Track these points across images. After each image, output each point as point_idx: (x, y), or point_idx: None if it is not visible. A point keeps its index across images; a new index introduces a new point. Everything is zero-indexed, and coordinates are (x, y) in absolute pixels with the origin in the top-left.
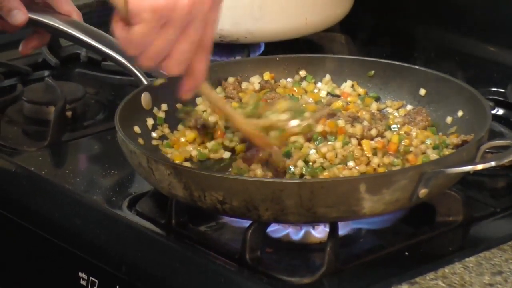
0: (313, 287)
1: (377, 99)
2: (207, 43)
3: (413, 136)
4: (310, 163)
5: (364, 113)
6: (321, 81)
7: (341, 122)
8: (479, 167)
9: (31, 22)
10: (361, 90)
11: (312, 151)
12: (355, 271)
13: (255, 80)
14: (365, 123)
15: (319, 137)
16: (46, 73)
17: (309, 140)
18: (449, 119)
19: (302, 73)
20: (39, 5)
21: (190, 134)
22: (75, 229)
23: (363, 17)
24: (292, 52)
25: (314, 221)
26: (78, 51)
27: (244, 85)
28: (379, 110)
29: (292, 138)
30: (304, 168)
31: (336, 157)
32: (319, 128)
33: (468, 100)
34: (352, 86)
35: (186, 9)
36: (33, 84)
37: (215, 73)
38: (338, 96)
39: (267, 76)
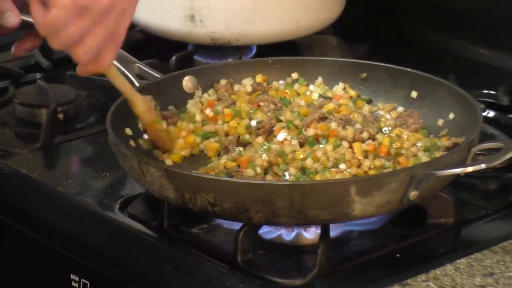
0: None
1: (369, 102)
2: (120, 35)
3: (404, 138)
4: (308, 169)
5: (356, 115)
6: (313, 83)
7: (333, 125)
8: (470, 169)
9: (24, 25)
10: (353, 93)
11: (309, 159)
12: (347, 273)
13: (247, 82)
14: (357, 125)
15: (312, 141)
16: (38, 75)
17: (302, 145)
18: (440, 122)
19: (294, 75)
20: None
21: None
22: (67, 231)
23: (355, 20)
24: (284, 54)
25: (305, 223)
26: None
27: (236, 87)
28: (371, 113)
29: (288, 145)
30: (298, 175)
31: (328, 160)
32: (311, 131)
33: (460, 102)
34: (344, 89)
35: (107, 1)
36: (25, 86)
37: (208, 75)
38: (330, 99)
39: (259, 78)
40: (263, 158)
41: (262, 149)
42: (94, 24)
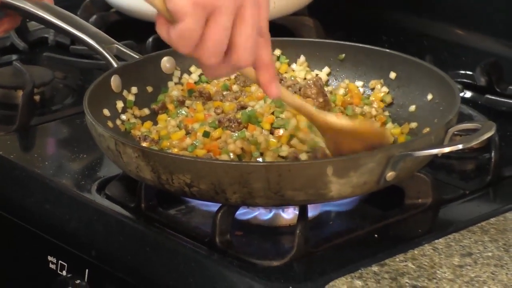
0: (283, 270)
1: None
2: (265, 26)
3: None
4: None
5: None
6: (295, 62)
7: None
8: (447, 149)
9: (2, 5)
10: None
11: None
12: (324, 254)
13: None
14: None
15: None
16: (14, 57)
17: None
18: (412, 107)
19: (277, 52)
20: None
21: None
22: (44, 213)
23: (330, 1)
24: None
25: (282, 204)
26: (46, 35)
27: None
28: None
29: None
30: None
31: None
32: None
33: (438, 83)
34: (329, 74)
35: None
36: (1, 68)
37: (185, 56)
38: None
39: None
40: (236, 144)
41: (235, 137)
42: (231, 21)
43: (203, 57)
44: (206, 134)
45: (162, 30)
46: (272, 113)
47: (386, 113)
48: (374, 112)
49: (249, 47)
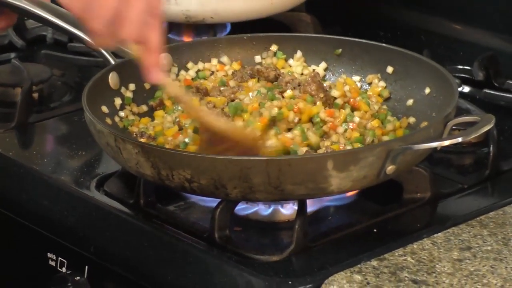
0: (282, 265)
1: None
2: (158, 9)
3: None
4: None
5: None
6: (292, 57)
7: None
8: (446, 143)
9: None
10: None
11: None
12: (323, 249)
13: (226, 61)
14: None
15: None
16: (12, 55)
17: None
18: (410, 102)
19: (273, 47)
20: None
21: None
22: (43, 210)
23: None
24: (258, 32)
25: (282, 199)
26: (44, 33)
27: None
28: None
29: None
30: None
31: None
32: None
33: (435, 77)
34: (327, 69)
35: None
36: None
37: (183, 52)
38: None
39: (235, 65)
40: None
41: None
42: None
43: (92, 22)
44: (196, 131)
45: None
46: (258, 105)
47: (384, 107)
48: (376, 107)
49: (135, 21)
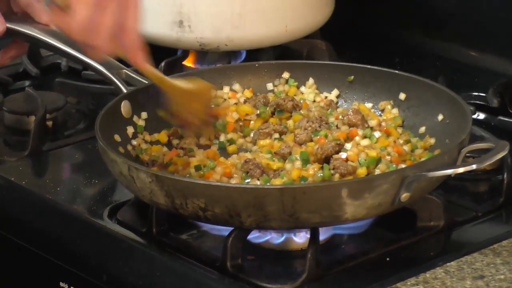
0: None
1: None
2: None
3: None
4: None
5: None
6: (304, 85)
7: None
8: (461, 170)
9: (10, 32)
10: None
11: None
12: (336, 277)
13: (238, 89)
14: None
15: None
16: (27, 83)
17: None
18: (422, 129)
19: (285, 75)
20: (17, 15)
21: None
22: (57, 238)
23: (343, 24)
24: (274, 59)
25: (296, 227)
26: (59, 61)
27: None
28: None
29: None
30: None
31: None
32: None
33: (449, 104)
34: (339, 96)
35: None
36: (14, 94)
37: None
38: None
39: (247, 93)
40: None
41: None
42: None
43: (96, 42)
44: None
45: (58, 17)
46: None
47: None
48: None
49: (138, 28)
